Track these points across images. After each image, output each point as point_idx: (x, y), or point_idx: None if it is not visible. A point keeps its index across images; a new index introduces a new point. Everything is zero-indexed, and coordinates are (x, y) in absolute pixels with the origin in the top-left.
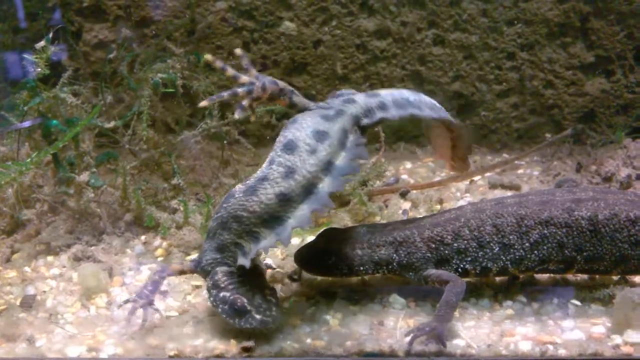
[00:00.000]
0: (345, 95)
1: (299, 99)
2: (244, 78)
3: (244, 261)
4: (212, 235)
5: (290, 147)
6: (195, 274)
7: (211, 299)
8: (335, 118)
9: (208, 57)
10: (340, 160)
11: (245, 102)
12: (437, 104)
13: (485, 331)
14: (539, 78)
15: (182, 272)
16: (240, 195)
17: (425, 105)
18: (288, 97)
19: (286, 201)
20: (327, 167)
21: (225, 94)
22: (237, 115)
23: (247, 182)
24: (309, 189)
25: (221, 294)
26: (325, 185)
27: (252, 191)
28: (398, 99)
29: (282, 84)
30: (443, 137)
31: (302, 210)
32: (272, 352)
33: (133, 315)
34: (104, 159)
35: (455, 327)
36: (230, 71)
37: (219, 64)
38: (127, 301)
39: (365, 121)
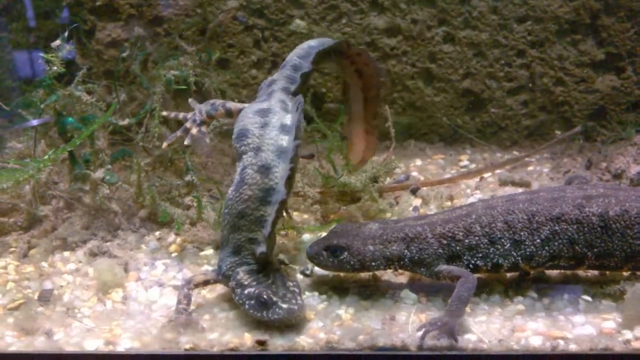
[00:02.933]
0: (266, 83)
1: (232, 104)
2: (190, 114)
3: (261, 249)
4: (226, 243)
5: (243, 135)
6: (219, 283)
7: (236, 298)
8: (268, 98)
9: (164, 113)
10: (290, 119)
11: (193, 131)
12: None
13: (496, 326)
14: (549, 75)
15: (206, 283)
16: (233, 193)
17: (324, 40)
18: (221, 106)
19: (267, 170)
20: (283, 128)
21: (179, 132)
22: (186, 142)
23: (234, 181)
24: (279, 150)
25: (246, 291)
26: (290, 140)
27: (240, 183)
28: (303, 53)
29: (212, 100)
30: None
31: (282, 170)
32: (285, 346)
33: (185, 328)
34: (119, 156)
35: (466, 322)
36: (181, 115)
37: (172, 115)
38: (170, 321)
39: (293, 87)
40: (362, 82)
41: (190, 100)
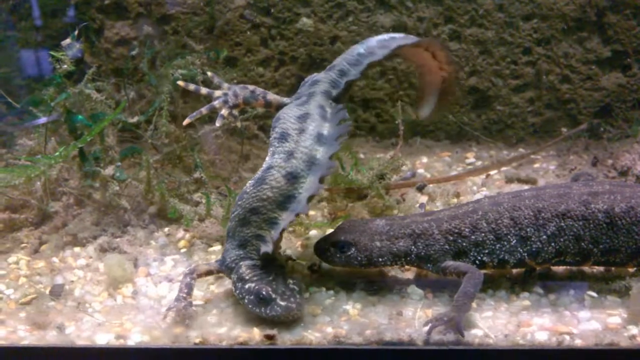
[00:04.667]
0: (310, 81)
1: (272, 96)
2: (218, 92)
3: (267, 248)
4: (232, 234)
5: (283, 137)
6: (221, 273)
7: (237, 292)
8: (308, 101)
9: (180, 83)
10: (328, 129)
11: (224, 112)
12: (387, 37)
13: (502, 321)
14: (555, 73)
15: (209, 273)
16: (251, 188)
17: (377, 47)
18: (262, 97)
19: (294, 178)
20: (319, 138)
21: (204, 109)
22: (218, 123)
23: (255, 176)
24: (310, 162)
25: (246, 286)
26: (324, 153)
27: (261, 181)
28: (351, 59)
29: (251, 87)
30: (424, 66)
31: (311, 182)
32: (293, 340)
33: (179, 316)
34: (128, 153)
35: (473, 317)
36: (204, 90)
37: (192, 87)
38: (169, 308)
39: (334, 93)
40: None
41: (210, 74)
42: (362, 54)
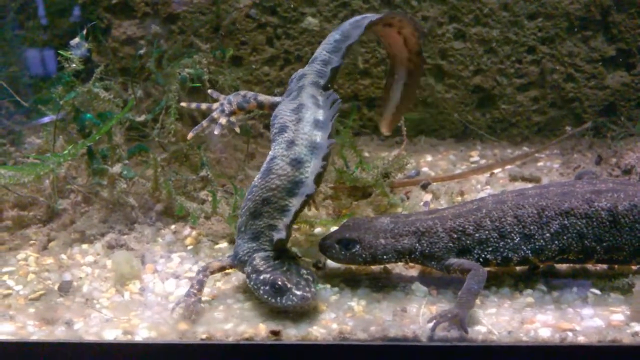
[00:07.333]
0: (297, 76)
1: (263, 97)
2: (215, 104)
3: (280, 235)
4: (244, 229)
5: (282, 130)
6: (234, 269)
7: (251, 283)
8: (300, 94)
9: (183, 104)
10: (322, 115)
11: (221, 120)
12: (360, 17)
13: (506, 318)
14: (560, 71)
15: (222, 268)
16: (259, 181)
17: (351, 29)
18: (253, 99)
19: (299, 163)
20: (316, 124)
21: (205, 122)
22: (216, 131)
23: (261, 169)
24: (312, 146)
25: (261, 277)
26: (323, 136)
27: (268, 172)
28: (331, 48)
29: (242, 92)
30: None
31: (314, 165)
32: (298, 336)
33: (187, 311)
34: (136, 151)
35: (476, 314)
36: (204, 105)
37: (193, 105)
38: (178, 303)
39: (322, 82)
40: (405, 45)
41: (210, 91)
42: (338, 40)
